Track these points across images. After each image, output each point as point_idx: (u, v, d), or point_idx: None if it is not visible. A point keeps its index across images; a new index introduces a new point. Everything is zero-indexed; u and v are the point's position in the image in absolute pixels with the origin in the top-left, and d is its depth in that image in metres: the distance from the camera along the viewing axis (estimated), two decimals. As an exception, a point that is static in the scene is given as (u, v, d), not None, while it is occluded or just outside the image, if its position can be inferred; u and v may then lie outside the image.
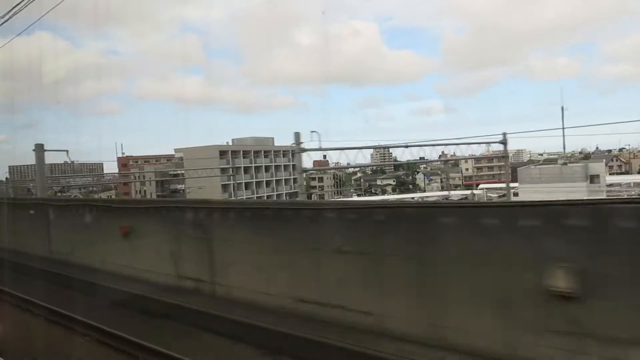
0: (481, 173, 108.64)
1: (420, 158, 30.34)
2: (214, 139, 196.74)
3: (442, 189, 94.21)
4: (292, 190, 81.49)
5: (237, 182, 73.81)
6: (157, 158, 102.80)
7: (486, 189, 57.23)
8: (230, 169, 69.67)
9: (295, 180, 71.23)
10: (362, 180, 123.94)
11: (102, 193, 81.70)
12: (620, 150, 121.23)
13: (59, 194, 56.60)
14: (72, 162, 28.18)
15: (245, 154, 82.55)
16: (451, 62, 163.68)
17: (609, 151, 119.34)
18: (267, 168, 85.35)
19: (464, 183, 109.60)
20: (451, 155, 77.15)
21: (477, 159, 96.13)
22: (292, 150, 72.04)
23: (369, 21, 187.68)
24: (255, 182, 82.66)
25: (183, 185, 75.14)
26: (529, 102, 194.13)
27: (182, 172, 71.00)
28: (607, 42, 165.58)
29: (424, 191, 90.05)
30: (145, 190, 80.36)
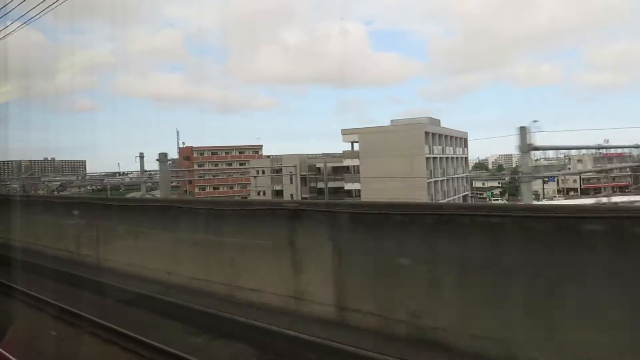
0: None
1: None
2: (193, 138, 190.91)
3: (560, 192, 76.52)
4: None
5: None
6: (228, 150, 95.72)
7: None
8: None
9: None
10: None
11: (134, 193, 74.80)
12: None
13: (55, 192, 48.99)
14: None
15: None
16: (437, 66, 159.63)
17: None
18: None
19: (581, 187, 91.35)
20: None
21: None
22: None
23: (356, 22, 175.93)
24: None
25: (352, 184, 55.34)
26: (509, 108, 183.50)
27: (352, 163, 54.29)
28: (589, 49, 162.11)
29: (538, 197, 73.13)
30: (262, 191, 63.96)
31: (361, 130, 56.39)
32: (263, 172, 61.15)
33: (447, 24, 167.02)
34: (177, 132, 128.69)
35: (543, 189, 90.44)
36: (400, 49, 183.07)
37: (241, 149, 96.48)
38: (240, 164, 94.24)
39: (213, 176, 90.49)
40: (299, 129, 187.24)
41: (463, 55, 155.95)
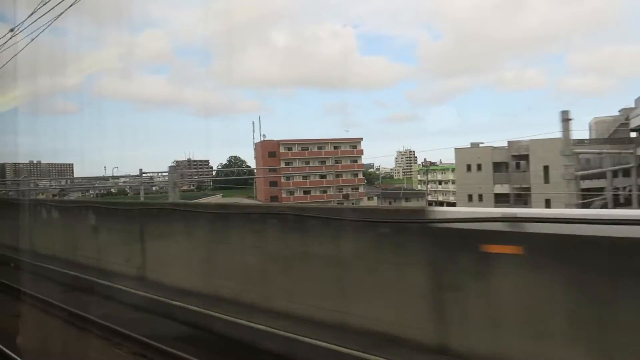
0: None
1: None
2: (175, 142, 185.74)
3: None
4: None
5: None
6: (321, 144, 77.21)
7: None
8: None
9: None
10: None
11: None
12: None
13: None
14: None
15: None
16: (424, 70, 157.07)
17: None
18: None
19: None
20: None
21: None
22: None
23: (344, 26, 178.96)
24: None
25: None
26: (494, 112, 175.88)
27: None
28: (575, 54, 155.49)
29: None
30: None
31: None
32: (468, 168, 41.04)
33: (436, 28, 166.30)
34: (253, 123, 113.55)
35: None
36: (388, 53, 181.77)
37: (336, 143, 77.64)
38: (336, 161, 75.12)
39: (304, 177, 72.13)
40: (285, 133, 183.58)
41: (451, 59, 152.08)
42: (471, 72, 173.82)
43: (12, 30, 13.13)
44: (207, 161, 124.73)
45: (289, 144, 74.78)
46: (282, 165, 70.64)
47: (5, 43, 13.90)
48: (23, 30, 12.84)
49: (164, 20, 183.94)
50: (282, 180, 71.22)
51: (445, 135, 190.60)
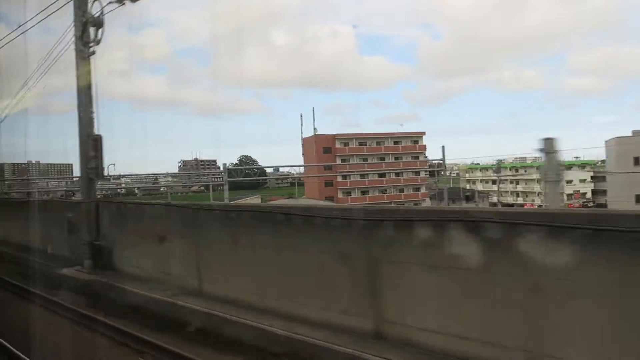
0: None
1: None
2: (174, 142, 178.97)
3: None
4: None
5: None
6: (379, 139, 69.96)
7: None
8: None
9: None
10: None
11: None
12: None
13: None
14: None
15: None
16: (424, 70, 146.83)
17: None
18: None
19: None
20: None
21: None
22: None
23: (344, 25, 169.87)
24: None
25: None
26: (492, 113, 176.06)
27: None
28: (575, 55, 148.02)
29: None
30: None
31: None
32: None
33: (436, 27, 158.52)
34: (301, 116, 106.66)
35: None
36: (387, 53, 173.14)
37: (396, 138, 70.22)
38: (396, 158, 68.07)
39: (362, 177, 65.37)
40: (283, 133, 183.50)
41: (450, 59, 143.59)
42: (471, 73, 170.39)
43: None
44: (215, 161, 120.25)
45: (345, 139, 67.83)
46: (338, 162, 63.94)
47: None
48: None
49: (164, 20, 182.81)
50: (337, 179, 64.62)
51: (444, 136, 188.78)
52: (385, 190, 66.88)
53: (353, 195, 65.14)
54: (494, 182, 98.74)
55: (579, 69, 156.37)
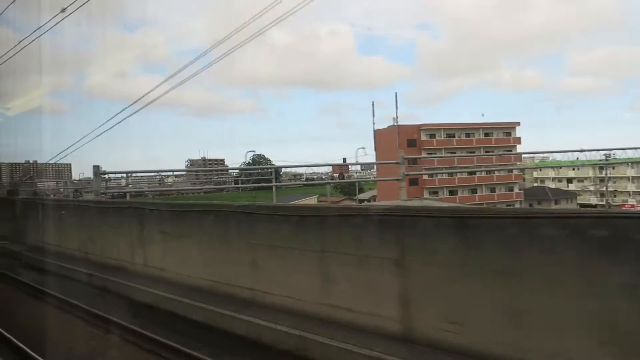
0: None
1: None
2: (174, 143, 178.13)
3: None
4: None
5: None
6: (468, 130, 60.74)
7: None
8: None
9: None
10: None
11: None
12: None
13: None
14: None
15: None
16: (422, 70, 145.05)
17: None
18: None
19: None
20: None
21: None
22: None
23: (344, 24, 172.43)
24: None
25: None
26: (488, 113, 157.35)
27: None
28: (574, 54, 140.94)
29: None
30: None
31: None
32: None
33: (436, 27, 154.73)
34: (373, 104, 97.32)
35: None
36: (386, 53, 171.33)
37: (487, 129, 60.99)
38: (486, 152, 58.98)
39: (450, 175, 56.61)
40: (280, 133, 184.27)
41: (449, 59, 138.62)
42: (470, 72, 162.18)
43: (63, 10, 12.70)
44: (223, 160, 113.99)
45: (432, 130, 58.89)
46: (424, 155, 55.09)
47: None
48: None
49: (161, 20, 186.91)
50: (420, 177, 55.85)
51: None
52: (476, 189, 58.09)
53: (440, 195, 56.56)
54: (569, 180, 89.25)
55: (576, 69, 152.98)
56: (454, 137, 59.68)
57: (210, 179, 51.94)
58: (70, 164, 75.27)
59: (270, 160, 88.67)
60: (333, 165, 52.59)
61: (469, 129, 60.62)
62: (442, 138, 58.97)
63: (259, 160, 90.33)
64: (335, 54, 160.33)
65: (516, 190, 61.06)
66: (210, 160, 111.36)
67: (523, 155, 67.52)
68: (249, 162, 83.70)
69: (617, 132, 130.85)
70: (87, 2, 10.83)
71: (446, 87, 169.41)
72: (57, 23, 12.99)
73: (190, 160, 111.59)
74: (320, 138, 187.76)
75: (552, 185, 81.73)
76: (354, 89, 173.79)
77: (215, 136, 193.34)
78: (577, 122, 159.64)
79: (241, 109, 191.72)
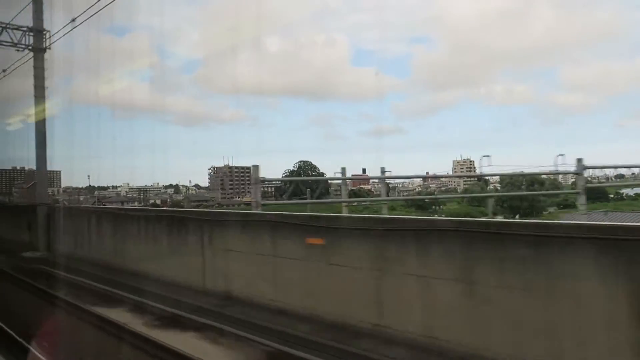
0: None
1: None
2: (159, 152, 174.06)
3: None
4: None
5: None
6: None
7: None
8: None
9: None
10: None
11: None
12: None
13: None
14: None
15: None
16: (414, 83, 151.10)
17: None
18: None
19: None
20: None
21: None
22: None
23: (339, 34, 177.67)
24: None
25: None
26: (479, 127, 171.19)
27: None
28: (566, 70, 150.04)
29: None
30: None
31: None
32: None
33: (430, 40, 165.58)
34: None
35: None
36: (379, 64, 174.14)
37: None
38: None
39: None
40: (268, 144, 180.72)
41: (442, 73, 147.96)
42: (463, 86, 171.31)
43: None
44: (249, 168, 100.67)
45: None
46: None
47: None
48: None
49: (149, 24, 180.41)
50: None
51: (429, 149, 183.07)
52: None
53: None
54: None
55: (568, 84, 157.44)
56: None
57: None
58: (60, 171, 74.76)
59: (318, 168, 77.95)
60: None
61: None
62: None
63: (304, 167, 78.57)
64: (327, 65, 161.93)
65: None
66: (236, 168, 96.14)
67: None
68: (292, 170, 75.87)
69: (601, 149, 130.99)
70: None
71: (437, 100, 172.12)
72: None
73: (214, 168, 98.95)
74: (307, 149, 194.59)
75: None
76: (345, 100, 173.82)
77: (212, 144, 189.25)
78: (568, 137, 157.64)
79: (226, 118, 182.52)
